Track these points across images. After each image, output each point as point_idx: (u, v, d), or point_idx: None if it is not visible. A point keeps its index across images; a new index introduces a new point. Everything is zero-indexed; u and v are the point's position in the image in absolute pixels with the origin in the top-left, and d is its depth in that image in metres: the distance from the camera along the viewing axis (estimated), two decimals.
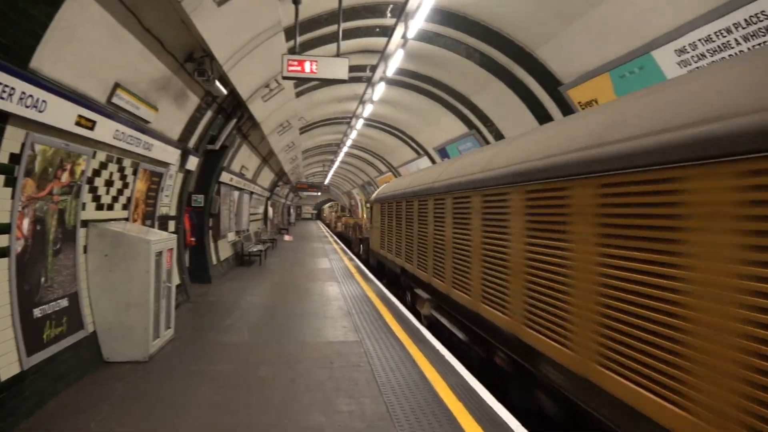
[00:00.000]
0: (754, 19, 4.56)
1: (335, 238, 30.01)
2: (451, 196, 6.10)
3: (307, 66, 6.58)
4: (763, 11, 4.44)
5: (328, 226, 47.98)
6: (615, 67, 6.83)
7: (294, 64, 6.57)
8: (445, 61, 10.73)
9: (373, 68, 11.26)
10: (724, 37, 4.98)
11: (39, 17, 3.69)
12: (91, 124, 4.80)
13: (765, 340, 1.99)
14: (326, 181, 45.37)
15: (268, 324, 7.45)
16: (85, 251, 5.42)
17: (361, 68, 12.41)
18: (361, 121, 16.18)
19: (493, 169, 4.92)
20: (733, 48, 4.96)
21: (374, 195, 13.77)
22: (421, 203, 7.81)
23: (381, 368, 5.40)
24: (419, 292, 8.21)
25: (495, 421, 4.06)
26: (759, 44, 4.68)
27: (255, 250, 15.60)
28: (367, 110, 13.94)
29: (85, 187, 5.29)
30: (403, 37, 8.01)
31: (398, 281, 10.68)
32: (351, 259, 17.01)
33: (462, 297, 5.74)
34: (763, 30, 4.55)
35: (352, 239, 25.58)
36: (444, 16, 8.72)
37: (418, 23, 7.44)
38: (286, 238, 27.77)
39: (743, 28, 4.73)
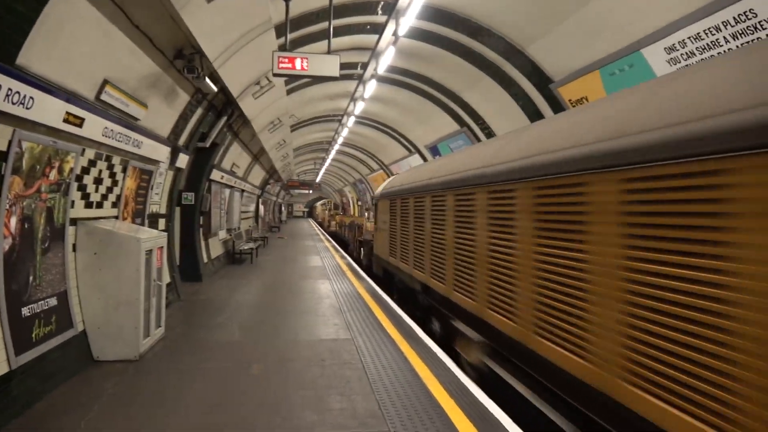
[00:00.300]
0: (743, 17, 4.62)
1: (327, 236, 29.88)
2: (532, 186, 3.92)
3: (297, 63, 6.56)
4: (752, 9, 4.50)
5: (320, 225, 47.83)
6: (605, 65, 6.89)
7: (285, 61, 6.54)
8: (436, 59, 10.74)
9: (365, 66, 11.24)
10: (713, 35, 5.04)
11: (26, 13, 3.63)
12: (79, 122, 4.74)
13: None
14: (318, 179, 45.29)
15: (260, 322, 7.42)
16: (74, 249, 5.36)
17: (352, 65, 12.39)
18: (352, 119, 16.15)
19: (637, 133, 2.75)
20: (722, 45, 5.02)
21: (381, 188, 11.17)
22: (460, 198, 5.59)
23: (373, 366, 5.41)
24: (460, 326, 5.75)
25: (487, 418, 4.07)
26: (748, 42, 4.74)
27: (246, 248, 15.53)
28: (359, 108, 13.93)
29: (74, 185, 5.23)
30: (394, 34, 8.02)
31: (414, 297, 8.22)
32: (343, 257, 16.99)
33: (564, 358, 3.37)
34: (752, 28, 4.61)
35: (348, 241, 22.16)
36: (435, 14, 8.73)
37: (409, 21, 7.45)
38: (278, 236, 27.67)
39: (732, 26, 4.79)
